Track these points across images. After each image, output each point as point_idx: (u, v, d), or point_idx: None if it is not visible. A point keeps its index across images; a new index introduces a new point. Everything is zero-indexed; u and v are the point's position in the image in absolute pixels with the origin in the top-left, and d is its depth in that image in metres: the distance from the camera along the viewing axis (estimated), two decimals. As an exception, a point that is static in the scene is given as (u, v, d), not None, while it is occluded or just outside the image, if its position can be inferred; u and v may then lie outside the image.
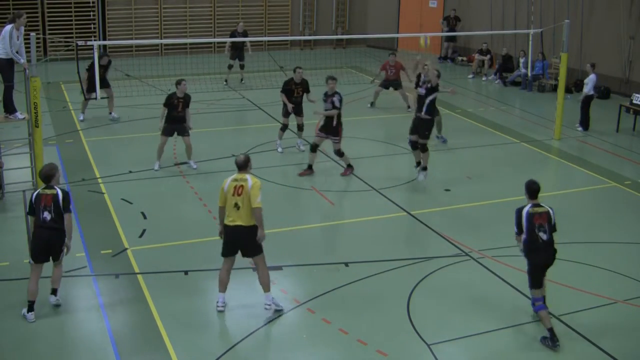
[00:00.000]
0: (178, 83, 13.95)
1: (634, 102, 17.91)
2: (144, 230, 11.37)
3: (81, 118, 17.42)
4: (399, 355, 8.30)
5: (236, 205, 8.77)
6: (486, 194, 13.30)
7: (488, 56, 23.98)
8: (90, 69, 16.48)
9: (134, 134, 16.65)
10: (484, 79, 23.74)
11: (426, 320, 9.02)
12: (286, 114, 15.16)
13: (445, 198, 13.11)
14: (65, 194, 8.94)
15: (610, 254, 11.12)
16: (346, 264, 10.45)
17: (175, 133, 14.04)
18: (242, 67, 21.74)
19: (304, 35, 27.93)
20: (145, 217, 11.91)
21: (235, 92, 20.77)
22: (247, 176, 8.87)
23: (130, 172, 13.87)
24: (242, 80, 21.87)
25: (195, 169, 14.12)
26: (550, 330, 8.54)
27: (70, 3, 24.99)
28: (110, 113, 17.76)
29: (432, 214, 12.37)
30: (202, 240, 11.15)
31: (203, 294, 9.66)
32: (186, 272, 10.10)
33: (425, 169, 13.49)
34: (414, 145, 13.49)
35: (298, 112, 15.23)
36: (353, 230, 11.65)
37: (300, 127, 15.47)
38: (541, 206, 8.78)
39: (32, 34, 12.58)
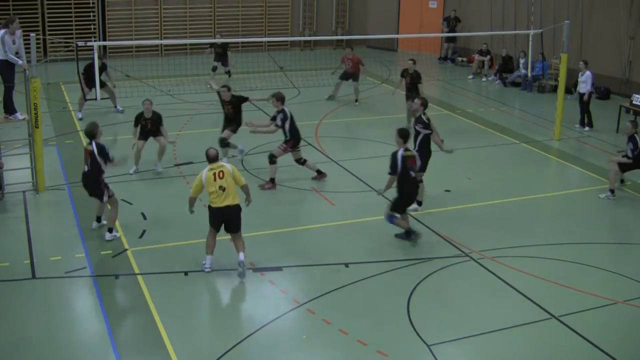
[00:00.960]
0: (142, 103, 13.98)
1: (634, 102, 17.92)
2: (144, 231, 11.37)
3: (79, 116, 17.46)
4: (398, 356, 8.29)
5: (221, 188, 9.87)
6: (486, 195, 13.30)
7: (488, 57, 23.98)
8: (86, 71, 16.52)
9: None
10: (484, 79, 23.74)
11: (426, 320, 9.02)
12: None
13: (445, 199, 13.10)
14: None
15: (611, 255, 11.13)
16: (346, 265, 10.45)
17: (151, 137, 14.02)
18: (228, 73, 21.47)
19: (304, 36, 27.94)
20: (145, 218, 11.91)
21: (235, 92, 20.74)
22: (221, 162, 10.12)
23: (130, 173, 13.86)
24: (229, 74, 21.54)
25: (159, 172, 13.94)
26: (408, 229, 10.91)
27: (70, 4, 24.99)
28: (116, 107, 18.02)
29: (432, 214, 12.36)
30: (202, 241, 11.11)
31: (203, 295, 9.66)
32: (186, 273, 10.10)
33: (419, 203, 12.36)
34: None
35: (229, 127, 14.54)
36: (353, 231, 11.65)
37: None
38: (410, 150, 10.93)
39: (32, 34, 12.61)
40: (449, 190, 13.47)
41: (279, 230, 11.53)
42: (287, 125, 13.36)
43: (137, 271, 10.12)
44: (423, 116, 12.43)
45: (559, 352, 8.51)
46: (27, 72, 12.36)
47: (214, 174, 9.89)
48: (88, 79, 16.46)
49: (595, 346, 8.54)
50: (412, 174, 10.85)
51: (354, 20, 29.37)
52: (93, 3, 25.29)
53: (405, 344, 8.53)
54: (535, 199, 13.26)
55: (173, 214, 12.05)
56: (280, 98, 13.43)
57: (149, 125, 13.90)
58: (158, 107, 17.90)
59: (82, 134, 16.38)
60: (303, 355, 8.35)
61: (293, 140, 13.50)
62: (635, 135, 13.21)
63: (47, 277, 9.89)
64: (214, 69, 21.32)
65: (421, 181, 12.26)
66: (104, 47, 24.24)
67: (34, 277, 9.90)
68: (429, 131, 12.35)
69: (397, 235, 11.17)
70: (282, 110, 13.39)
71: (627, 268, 10.49)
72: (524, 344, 8.65)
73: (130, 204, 12.44)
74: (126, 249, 10.75)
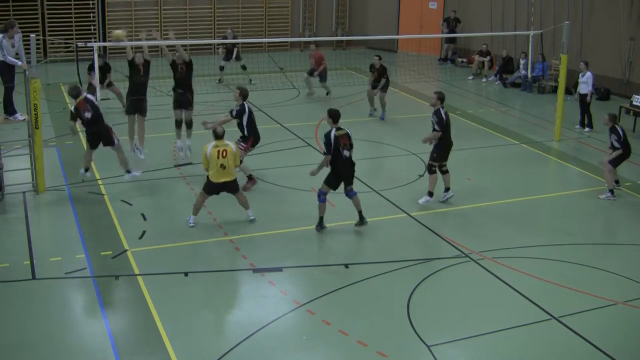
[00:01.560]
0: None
1: (634, 103, 17.92)
2: (144, 232, 11.37)
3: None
4: (398, 357, 8.30)
5: (222, 166, 10.98)
6: (486, 196, 13.30)
7: (488, 57, 23.98)
8: (90, 69, 16.53)
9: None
10: (484, 80, 23.75)
11: (426, 321, 9.02)
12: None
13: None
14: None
15: (610, 256, 11.13)
16: (346, 266, 10.45)
17: (137, 114, 14.25)
18: (244, 68, 21.71)
19: (304, 37, 27.94)
20: (145, 219, 11.91)
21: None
22: (226, 142, 11.06)
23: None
24: (251, 81, 21.65)
25: (142, 159, 14.20)
26: (321, 218, 11.35)
27: (70, 4, 25.01)
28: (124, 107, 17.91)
29: (432, 215, 12.37)
30: (202, 241, 11.16)
31: (203, 295, 9.67)
32: (186, 274, 10.10)
33: (430, 194, 12.71)
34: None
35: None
36: (353, 232, 11.64)
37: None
38: (342, 129, 11.13)
39: (32, 35, 12.61)
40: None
41: (279, 230, 11.53)
42: (245, 119, 12.96)
43: (137, 272, 10.12)
44: (441, 110, 12.47)
45: (558, 352, 8.50)
46: (27, 72, 12.37)
47: (218, 151, 10.92)
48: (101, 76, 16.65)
49: (595, 347, 8.54)
50: (346, 152, 11.12)
51: (354, 21, 29.38)
52: (93, 4, 25.31)
53: (405, 345, 8.53)
54: (535, 200, 13.27)
55: (173, 214, 12.05)
56: (243, 94, 13.07)
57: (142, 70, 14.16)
58: (158, 107, 17.99)
59: (82, 135, 16.43)
60: (303, 356, 8.35)
61: (252, 137, 13.14)
62: (616, 125, 13.27)
63: (47, 277, 9.89)
64: (222, 68, 21.35)
65: (447, 171, 12.75)
66: (104, 47, 24.23)
67: (34, 277, 9.91)
68: (439, 130, 12.40)
69: (316, 228, 11.47)
70: (242, 105, 13.02)
71: (627, 269, 10.49)
72: (524, 345, 8.65)
73: (130, 204, 12.44)
74: (126, 250, 10.75)
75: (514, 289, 9.85)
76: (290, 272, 10.26)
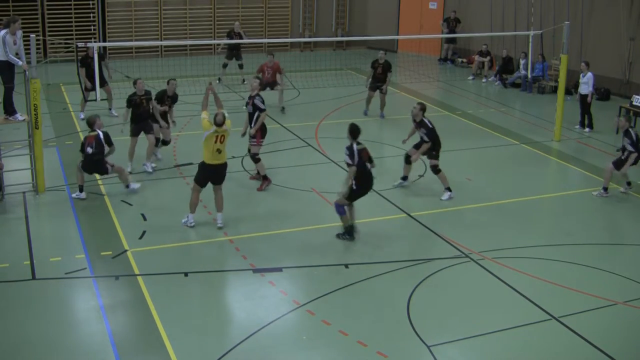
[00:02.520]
0: (134, 83, 14.23)
1: (634, 103, 17.92)
2: (144, 232, 11.37)
3: (82, 117, 17.42)
4: (398, 357, 8.29)
5: (218, 150, 11.16)
6: (486, 196, 13.30)
7: (488, 58, 23.98)
8: (86, 67, 16.48)
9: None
10: (484, 80, 23.75)
11: (426, 321, 9.02)
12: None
13: (445, 199, 13.09)
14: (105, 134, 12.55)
15: (610, 256, 11.13)
16: (346, 266, 10.45)
17: (143, 132, 14.14)
18: (240, 66, 21.72)
19: (304, 37, 27.95)
20: (145, 219, 11.91)
21: (235, 93, 20.77)
22: (225, 127, 11.16)
23: (131, 173, 13.86)
24: (244, 81, 21.73)
25: (150, 172, 13.93)
26: (349, 226, 11.09)
27: (70, 5, 25.00)
28: (110, 109, 17.87)
29: (432, 215, 12.37)
30: (202, 242, 11.16)
31: (203, 296, 9.67)
32: (186, 274, 10.10)
33: (448, 189, 13.09)
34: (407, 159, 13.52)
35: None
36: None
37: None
38: (361, 143, 11.09)
39: (32, 35, 12.60)
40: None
41: (279, 231, 11.53)
42: (259, 110, 13.12)
43: (137, 272, 10.12)
44: (425, 120, 12.96)
45: (559, 353, 8.50)
46: (27, 73, 12.36)
47: (217, 136, 11.08)
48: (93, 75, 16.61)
49: (595, 347, 8.54)
50: (368, 166, 11.09)
51: (354, 21, 29.37)
52: (93, 4, 25.30)
53: (405, 345, 8.53)
54: (535, 200, 13.27)
55: (173, 215, 12.04)
56: (262, 83, 13.37)
57: (144, 103, 14.06)
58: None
59: (82, 135, 16.43)
60: (303, 356, 8.35)
61: (261, 130, 13.29)
62: (630, 129, 13.24)
63: (47, 278, 9.89)
64: (225, 65, 21.39)
65: (439, 171, 13.10)
66: (104, 47, 24.25)
67: (34, 278, 9.90)
68: (429, 141, 12.92)
69: (338, 236, 11.25)
70: (259, 95, 13.25)
71: (627, 269, 10.49)
72: (524, 345, 8.65)
73: (130, 205, 12.44)
74: (126, 250, 10.74)
75: (514, 289, 9.85)
76: (290, 272, 10.26)
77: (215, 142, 11.12)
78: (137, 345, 8.49)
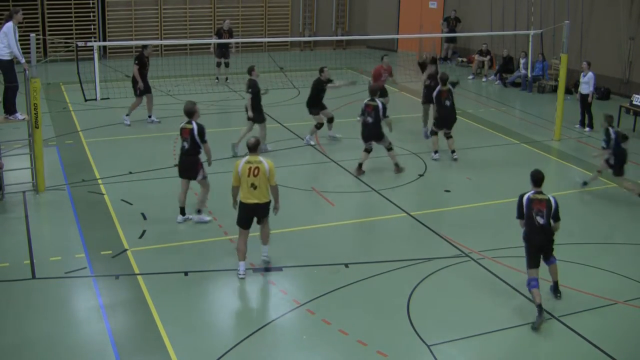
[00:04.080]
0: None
1: (634, 102, 17.92)
2: (144, 231, 11.37)
3: (127, 123, 17.21)
4: (398, 356, 8.30)
5: (252, 185, 9.61)
6: (486, 195, 13.31)
7: (488, 57, 23.98)
8: (140, 64, 16.82)
9: (133, 135, 16.64)
10: (484, 79, 23.75)
11: (426, 321, 9.02)
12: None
13: (445, 199, 13.10)
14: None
15: (610, 255, 11.12)
16: (346, 265, 10.45)
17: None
18: (226, 65, 21.78)
19: (304, 36, 27.95)
20: (145, 218, 11.91)
21: (235, 92, 20.77)
22: (260, 158, 9.66)
23: (130, 172, 13.88)
24: (226, 79, 21.88)
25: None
26: (539, 306, 8.95)
27: (70, 4, 25.00)
28: (149, 117, 17.63)
29: (432, 214, 12.37)
30: (202, 241, 11.16)
31: (203, 295, 9.67)
32: (186, 273, 10.10)
33: (436, 152, 15.06)
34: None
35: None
36: (353, 231, 11.65)
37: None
38: (542, 194, 9.30)
39: (32, 35, 12.60)
40: (448, 191, 13.47)
41: (279, 230, 11.52)
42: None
43: (137, 271, 10.12)
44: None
45: (559, 352, 8.51)
46: (27, 72, 12.36)
47: (249, 168, 9.60)
48: (143, 74, 16.93)
49: (595, 346, 8.54)
50: (541, 220, 9.19)
51: (354, 20, 29.37)
52: (93, 3, 25.30)
53: (405, 344, 8.53)
54: (535, 200, 13.25)
55: (173, 214, 12.04)
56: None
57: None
58: (158, 107, 17.98)
59: (82, 134, 16.45)
60: (303, 356, 8.35)
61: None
62: (610, 128, 13.20)
63: (47, 277, 9.89)
64: (218, 64, 21.48)
65: (451, 137, 15.21)
66: (103, 47, 24.27)
67: (34, 277, 9.91)
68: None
69: (533, 328, 8.95)
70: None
71: (626, 268, 10.49)
72: (524, 345, 8.65)
73: (131, 204, 12.44)
74: (126, 249, 10.75)
75: (514, 288, 9.85)
76: (291, 271, 10.26)
77: (249, 174, 9.60)
78: (137, 345, 8.49)
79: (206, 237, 11.24)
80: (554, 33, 22.00)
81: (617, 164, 13.19)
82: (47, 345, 8.39)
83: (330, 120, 16.16)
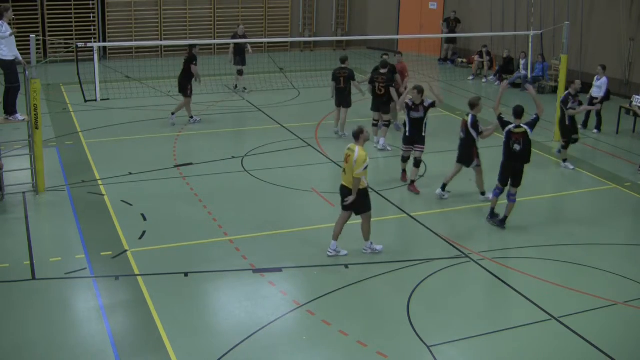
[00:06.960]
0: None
1: (634, 103, 17.90)
2: (144, 232, 11.37)
3: (197, 119, 17.44)
4: (398, 357, 8.29)
5: (344, 170, 10.46)
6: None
7: (488, 58, 23.98)
8: (186, 64, 16.98)
9: (133, 135, 16.64)
10: (483, 80, 23.75)
11: (426, 322, 9.03)
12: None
13: (445, 200, 13.10)
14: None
15: (610, 256, 11.12)
16: (346, 266, 10.45)
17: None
18: (240, 72, 21.29)
19: (304, 37, 27.95)
20: (145, 219, 11.91)
21: (236, 94, 20.78)
22: (357, 147, 10.24)
23: (130, 173, 13.88)
24: (236, 87, 21.15)
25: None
26: (492, 209, 11.84)
27: (70, 5, 25.01)
28: (192, 117, 17.54)
29: (432, 215, 12.37)
30: (202, 242, 11.16)
31: (203, 296, 9.67)
32: (186, 274, 10.10)
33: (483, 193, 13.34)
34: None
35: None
36: (353, 232, 11.63)
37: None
38: (520, 127, 11.67)
39: (32, 35, 12.60)
40: (449, 192, 13.45)
41: (279, 231, 11.53)
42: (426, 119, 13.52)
43: (137, 272, 10.12)
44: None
45: (558, 353, 8.51)
46: (27, 73, 12.36)
47: (346, 155, 10.37)
48: (188, 77, 16.97)
49: (595, 347, 8.54)
50: (517, 147, 11.74)
51: (354, 21, 29.39)
52: (93, 4, 25.31)
53: (405, 345, 8.53)
54: (535, 200, 13.27)
55: (173, 215, 12.05)
56: (416, 89, 13.41)
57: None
58: (158, 107, 17.99)
59: (82, 135, 16.45)
60: (303, 356, 8.35)
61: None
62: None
63: (47, 278, 9.89)
64: (241, 72, 20.79)
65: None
66: (103, 48, 24.28)
67: (34, 278, 9.91)
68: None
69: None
70: (425, 98, 13.51)
71: (626, 269, 10.49)
72: (524, 345, 8.65)
73: (130, 205, 12.44)
74: (126, 250, 10.75)
75: (514, 289, 9.85)
76: (290, 272, 10.26)
77: (345, 160, 10.39)
78: (137, 345, 8.49)
79: (206, 238, 11.24)
80: (553, 34, 22.00)
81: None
82: (47, 345, 8.39)
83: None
